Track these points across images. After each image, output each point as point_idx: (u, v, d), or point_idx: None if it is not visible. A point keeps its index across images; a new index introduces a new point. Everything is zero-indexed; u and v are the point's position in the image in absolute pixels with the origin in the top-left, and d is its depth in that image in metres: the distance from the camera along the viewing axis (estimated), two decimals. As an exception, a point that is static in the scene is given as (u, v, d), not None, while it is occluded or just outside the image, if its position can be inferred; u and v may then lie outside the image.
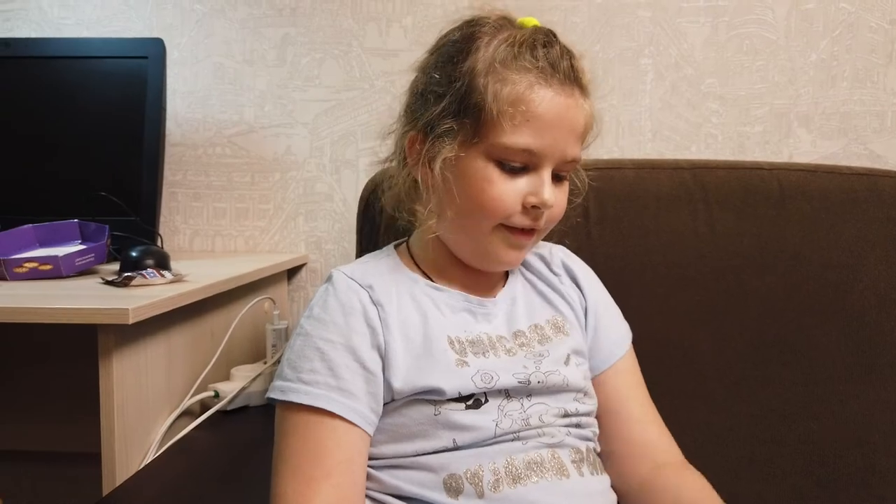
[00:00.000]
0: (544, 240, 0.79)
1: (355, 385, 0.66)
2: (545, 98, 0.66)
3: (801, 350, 0.96)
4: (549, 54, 0.68)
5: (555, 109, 0.67)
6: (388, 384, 0.68)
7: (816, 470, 0.95)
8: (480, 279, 0.77)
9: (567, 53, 0.69)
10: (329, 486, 0.63)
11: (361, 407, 0.66)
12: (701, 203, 0.99)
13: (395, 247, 0.82)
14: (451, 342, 0.71)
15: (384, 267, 0.77)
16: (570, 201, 0.79)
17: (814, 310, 0.97)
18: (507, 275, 0.81)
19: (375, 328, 0.69)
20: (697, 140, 1.34)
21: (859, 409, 0.95)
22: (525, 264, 0.83)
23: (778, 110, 1.32)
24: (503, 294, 0.78)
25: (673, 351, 0.92)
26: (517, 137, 0.66)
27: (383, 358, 0.68)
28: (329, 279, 0.75)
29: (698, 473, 0.75)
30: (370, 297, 0.71)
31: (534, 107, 0.66)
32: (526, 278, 0.83)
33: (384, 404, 0.68)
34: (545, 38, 0.69)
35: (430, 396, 0.67)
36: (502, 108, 0.66)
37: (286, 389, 0.67)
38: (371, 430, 0.67)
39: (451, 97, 0.69)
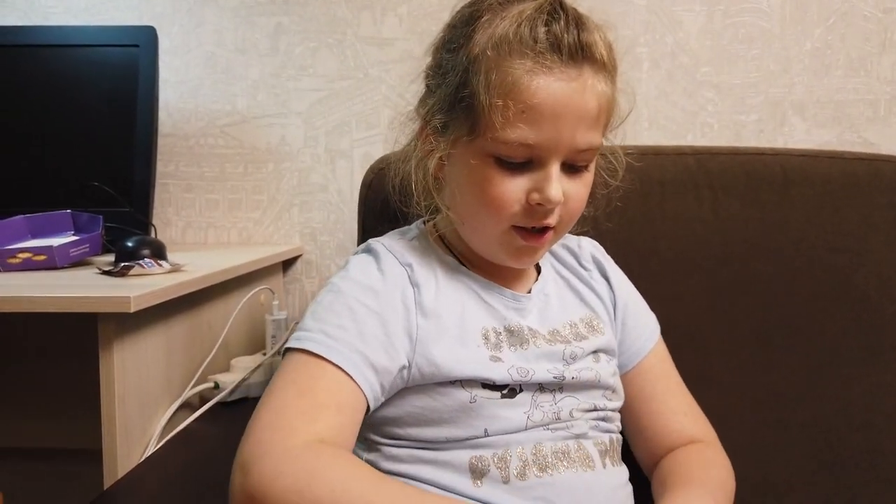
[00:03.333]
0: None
1: (378, 357, 0.63)
2: (542, 86, 0.60)
3: (806, 334, 0.97)
4: (550, 31, 0.61)
5: (554, 97, 0.61)
6: (417, 368, 0.65)
7: (821, 453, 0.95)
8: (512, 270, 0.74)
9: (576, 26, 0.61)
10: (321, 424, 0.57)
11: (374, 380, 0.62)
12: (706, 189, 0.99)
13: (423, 224, 0.79)
14: (486, 335, 0.68)
15: (419, 246, 0.73)
16: (606, 184, 0.76)
17: (818, 294, 0.97)
18: (538, 266, 0.79)
19: (409, 309, 0.66)
20: (693, 129, 1.34)
21: (863, 392, 0.95)
22: (556, 256, 0.82)
23: (773, 99, 1.33)
24: (536, 289, 0.76)
25: (679, 336, 0.92)
26: (512, 132, 0.61)
27: (414, 341, 0.65)
28: (368, 249, 0.72)
29: (715, 449, 0.76)
30: (409, 276, 0.69)
31: (528, 97, 0.60)
32: (558, 272, 0.80)
33: (411, 387, 0.66)
34: (549, 13, 0.61)
35: (466, 384, 0.65)
36: (493, 102, 0.61)
37: (303, 338, 0.62)
38: (374, 406, 0.63)
39: (443, 90, 0.66)
